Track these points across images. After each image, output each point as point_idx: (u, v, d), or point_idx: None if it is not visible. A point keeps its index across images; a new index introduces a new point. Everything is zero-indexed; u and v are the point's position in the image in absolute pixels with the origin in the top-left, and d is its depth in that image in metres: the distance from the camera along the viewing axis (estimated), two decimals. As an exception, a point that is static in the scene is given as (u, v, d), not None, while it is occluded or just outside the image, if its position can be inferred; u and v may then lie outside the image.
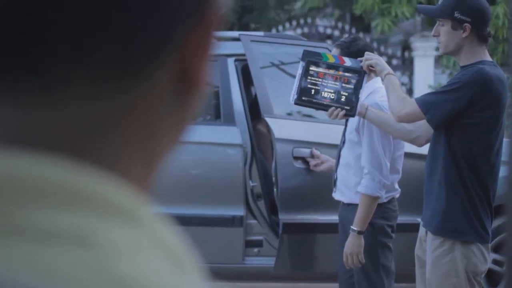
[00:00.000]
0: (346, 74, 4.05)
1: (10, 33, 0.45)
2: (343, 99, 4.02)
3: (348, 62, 4.09)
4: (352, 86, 4.03)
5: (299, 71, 4.17)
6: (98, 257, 0.43)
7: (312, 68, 4.10)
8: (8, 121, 0.46)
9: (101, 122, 0.47)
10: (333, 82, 4.06)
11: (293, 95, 4.16)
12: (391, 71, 4.01)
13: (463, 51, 3.71)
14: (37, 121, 0.46)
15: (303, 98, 4.11)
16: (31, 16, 0.45)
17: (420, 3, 14.96)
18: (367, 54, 4.04)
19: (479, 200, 3.73)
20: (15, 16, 0.45)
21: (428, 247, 3.77)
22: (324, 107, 4.08)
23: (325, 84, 4.08)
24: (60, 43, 0.45)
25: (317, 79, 4.09)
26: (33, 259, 0.42)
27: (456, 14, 3.68)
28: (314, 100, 4.09)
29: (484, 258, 3.70)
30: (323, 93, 4.07)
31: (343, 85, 4.04)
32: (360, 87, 4.02)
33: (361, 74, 4.04)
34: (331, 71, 4.07)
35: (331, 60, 4.12)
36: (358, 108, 3.97)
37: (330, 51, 4.65)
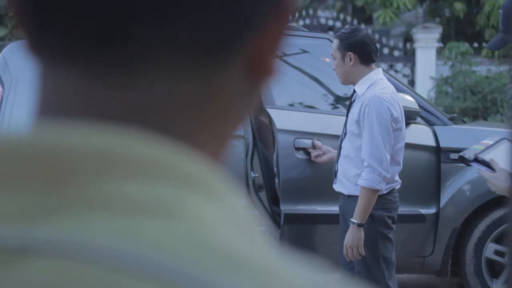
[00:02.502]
0: None
1: (94, 13, 0.46)
2: None
3: None
4: None
5: None
6: (190, 229, 0.44)
7: None
8: (92, 99, 0.48)
9: (182, 100, 0.49)
10: None
11: None
12: None
13: None
14: (120, 99, 0.48)
15: None
16: None
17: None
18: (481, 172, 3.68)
19: None
20: None
21: None
22: None
23: None
24: (144, 27, 0.47)
25: None
26: (120, 228, 0.43)
27: None
28: None
29: None
30: None
31: None
32: None
33: None
34: None
35: None
36: None
37: (332, 41, 4.65)
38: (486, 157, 3.67)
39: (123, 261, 0.41)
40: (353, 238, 4.05)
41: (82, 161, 0.45)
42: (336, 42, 4.31)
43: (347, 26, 4.57)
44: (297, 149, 5.23)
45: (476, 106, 12.26)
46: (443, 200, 5.44)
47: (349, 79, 4.27)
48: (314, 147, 5.15)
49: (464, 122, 6.75)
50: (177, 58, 0.48)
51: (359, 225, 4.04)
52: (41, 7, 0.48)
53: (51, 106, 0.49)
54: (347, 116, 4.31)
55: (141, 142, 0.46)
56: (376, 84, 4.16)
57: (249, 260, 0.43)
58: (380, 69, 4.31)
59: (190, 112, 0.49)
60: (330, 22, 16.13)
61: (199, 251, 0.43)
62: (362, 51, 4.19)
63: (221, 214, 0.46)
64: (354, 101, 4.24)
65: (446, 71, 13.45)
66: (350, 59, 4.19)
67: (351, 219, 4.06)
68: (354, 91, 4.25)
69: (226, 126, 0.52)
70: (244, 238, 0.46)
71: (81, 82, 0.48)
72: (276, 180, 5.40)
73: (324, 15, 16.93)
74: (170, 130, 0.48)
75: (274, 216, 5.57)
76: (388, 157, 4.05)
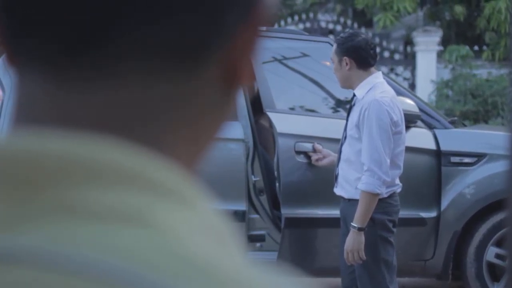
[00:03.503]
0: None
1: (68, 20, 0.46)
2: None
3: None
4: None
5: None
6: (156, 236, 0.44)
7: None
8: (65, 105, 0.48)
9: (155, 108, 0.49)
10: None
11: None
12: None
13: None
14: (94, 105, 0.48)
15: None
16: (91, 3, 0.46)
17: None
18: None
19: None
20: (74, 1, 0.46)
21: None
22: None
23: None
24: (120, 33, 0.47)
25: None
26: (94, 237, 0.43)
27: None
28: None
29: None
30: None
31: None
32: None
33: None
34: None
35: None
36: None
37: (332, 45, 4.65)
38: None
39: (92, 269, 0.41)
40: (353, 242, 4.04)
41: (56, 169, 0.44)
42: (334, 46, 4.32)
43: (347, 30, 4.57)
44: (298, 152, 5.23)
45: (477, 109, 12.26)
46: (444, 204, 5.44)
47: (347, 83, 4.27)
48: (314, 150, 5.15)
49: (465, 126, 6.75)
50: (150, 64, 0.48)
51: (360, 229, 4.03)
52: (15, 14, 0.48)
53: (25, 114, 0.49)
54: (347, 120, 4.30)
55: (114, 150, 0.46)
56: (375, 87, 4.16)
57: (217, 268, 0.43)
58: (379, 73, 4.31)
59: (162, 118, 0.49)
60: (331, 26, 16.14)
61: (168, 259, 0.43)
62: (357, 56, 4.19)
63: (192, 222, 0.46)
64: (354, 105, 4.24)
65: (446, 74, 13.45)
66: (347, 64, 4.20)
67: (352, 223, 4.05)
68: (354, 95, 4.25)
69: (201, 134, 0.52)
70: (214, 246, 0.46)
71: (53, 89, 0.48)
72: (277, 183, 5.40)
73: (324, 19, 16.95)
74: (142, 137, 0.48)
75: (275, 219, 5.57)
76: (388, 160, 4.05)
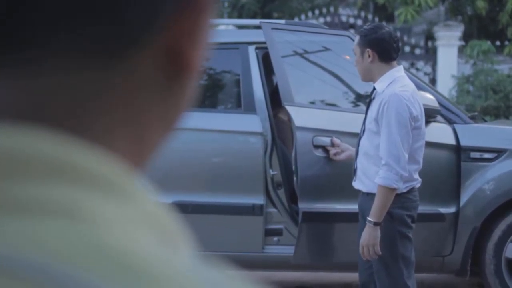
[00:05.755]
0: None
1: None
2: None
3: None
4: None
5: None
6: (84, 230, 0.41)
7: None
8: None
9: (84, 96, 0.46)
10: None
11: None
12: None
13: None
14: (19, 95, 0.45)
15: None
16: None
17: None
18: None
19: None
20: None
21: None
22: None
23: None
24: (41, 16, 0.44)
25: None
26: (17, 231, 0.41)
27: None
28: None
29: None
30: None
31: None
32: None
33: None
34: None
35: None
36: None
37: (353, 39, 4.63)
38: None
39: (8, 264, 0.39)
40: (369, 237, 4.02)
41: None
42: (357, 38, 4.30)
43: (369, 23, 4.54)
44: (316, 146, 5.21)
45: (498, 104, 12.19)
46: (463, 199, 5.41)
47: (369, 76, 4.25)
48: (332, 145, 5.13)
49: (485, 121, 6.70)
50: (78, 60, 0.45)
51: (376, 224, 4.01)
52: None
53: None
54: (366, 113, 4.28)
55: (42, 142, 0.44)
56: (396, 81, 4.13)
57: (146, 263, 0.41)
58: (401, 67, 4.28)
59: (95, 112, 0.46)
60: (351, 20, 16.12)
61: (89, 253, 0.41)
62: (380, 49, 4.17)
63: (127, 215, 0.44)
64: (373, 98, 4.22)
65: (467, 70, 13.38)
66: (369, 56, 4.18)
67: (368, 218, 4.03)
68: (374, 88, 4.23)
69: (145, 131, 0.49)
70: (150, 240, 0.44)
71: None
72: (295, 178, 5.38)
73: (345, 13, 16.92)
74: (74, 129, 0.46)
75: (293, 214, 5.56)
76: (406, 155, 4.02)
